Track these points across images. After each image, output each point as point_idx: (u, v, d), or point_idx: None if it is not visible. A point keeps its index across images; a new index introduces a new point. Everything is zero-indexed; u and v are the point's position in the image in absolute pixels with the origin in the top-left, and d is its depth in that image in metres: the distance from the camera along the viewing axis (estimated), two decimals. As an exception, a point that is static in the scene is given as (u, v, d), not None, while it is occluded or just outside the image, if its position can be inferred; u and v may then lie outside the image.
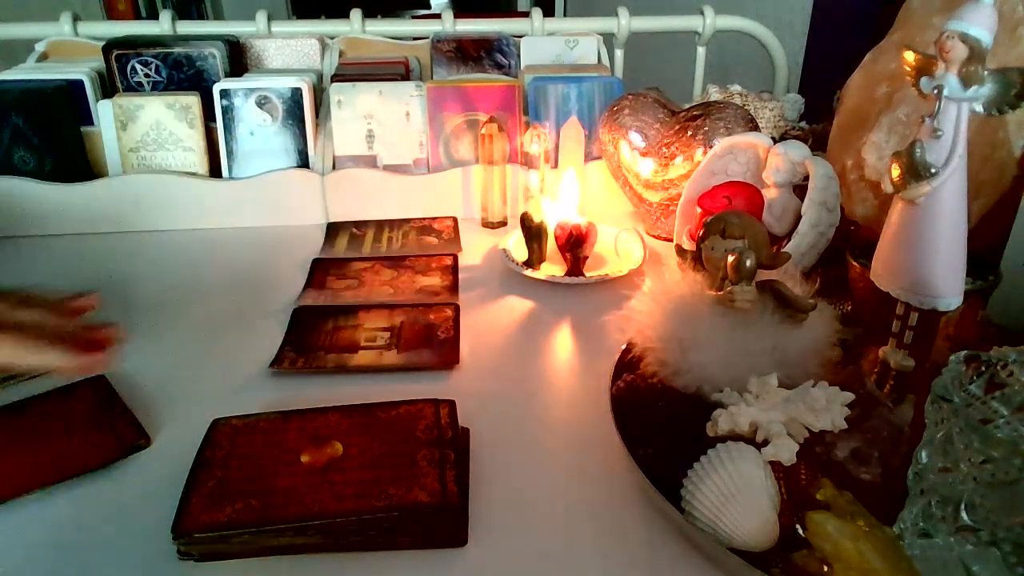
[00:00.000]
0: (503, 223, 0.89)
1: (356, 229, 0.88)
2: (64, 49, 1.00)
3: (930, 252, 0.47)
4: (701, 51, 1.16)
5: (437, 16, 1.06)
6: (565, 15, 3.08)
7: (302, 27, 1.05)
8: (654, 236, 0.86)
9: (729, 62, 1.60)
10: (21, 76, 0.89)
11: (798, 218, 0.66)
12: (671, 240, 0.80)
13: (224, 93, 0.86)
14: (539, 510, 0.46)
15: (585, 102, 0.90)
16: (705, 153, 0.76)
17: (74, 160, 0.88)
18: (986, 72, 0.44)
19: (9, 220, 0.86)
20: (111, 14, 2.47)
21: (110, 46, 0.90)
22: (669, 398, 0.50)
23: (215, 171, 0.89)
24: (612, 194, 0.91)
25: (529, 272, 0.74)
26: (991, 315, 0.59)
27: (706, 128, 0.78)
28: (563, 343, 0.66)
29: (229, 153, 0.88)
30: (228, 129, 0.88)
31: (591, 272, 0.74)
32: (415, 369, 0.61)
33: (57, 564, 0.42)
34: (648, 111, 0.83)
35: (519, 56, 1.00)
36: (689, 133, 0.79)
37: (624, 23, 1.08)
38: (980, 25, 0.43)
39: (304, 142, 0.89)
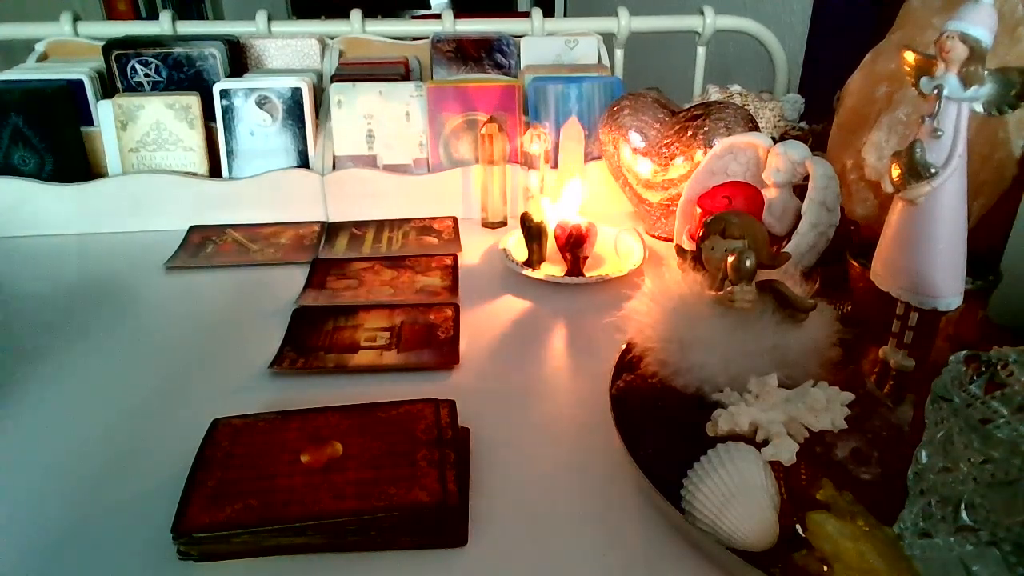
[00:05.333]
0: (503, 223, 0.89)
1: (356, 229, 0.88)
2: (64, 49, 1.00)
3: (930, 252, 0.47)
4: (701, 51, 1.16)
5: (437, 16, 1.06)
6: (565, 15, 3.08)
7: (302, 27, 1.05)
8: (654, 236, 0.86)
9: (729, 62, 1.60)
10: (21, 76, 0.89)
11: (798, 218, 0.66)
12: (671, 240, 0.80)
13: (224, 93, 0.86)
14: (539, 510, 0.46)
15: (585, 102, 0.90)
16: (705, 153, 0.76)
17: (74, 160, 0.88)
18: (986, 72, 0.44)
19: (9, 220, 0.86)
20: (111, 14, 2.47)
21: (110, 46, 0.90)
22: (669, 398, 0.49)
23: (215, 171, 0.90)
24: (612, 194, 0.91)
25: (529, 272, 0.74)
26: (991, 315, 0.59)
27: (706, 128, 0.78)
28: (563, 343, 0.66)
29: (229, 153, 0.88)
30: (228, 129, 0.88)
31: (591, 272, 0.74)
32: (415, 369, 0.61)
33: (57, 564, 0.42)
34: (648, 111, 0.83)
35: (519, 56, 1.00)
36: (689, 133, 0.79)
37: (624, 23, 1.08)
38: (980, 25, 0.43)
39: (304, 142, 0.89)
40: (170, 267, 0.79)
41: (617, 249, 0.80)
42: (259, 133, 0.88)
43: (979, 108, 0.45)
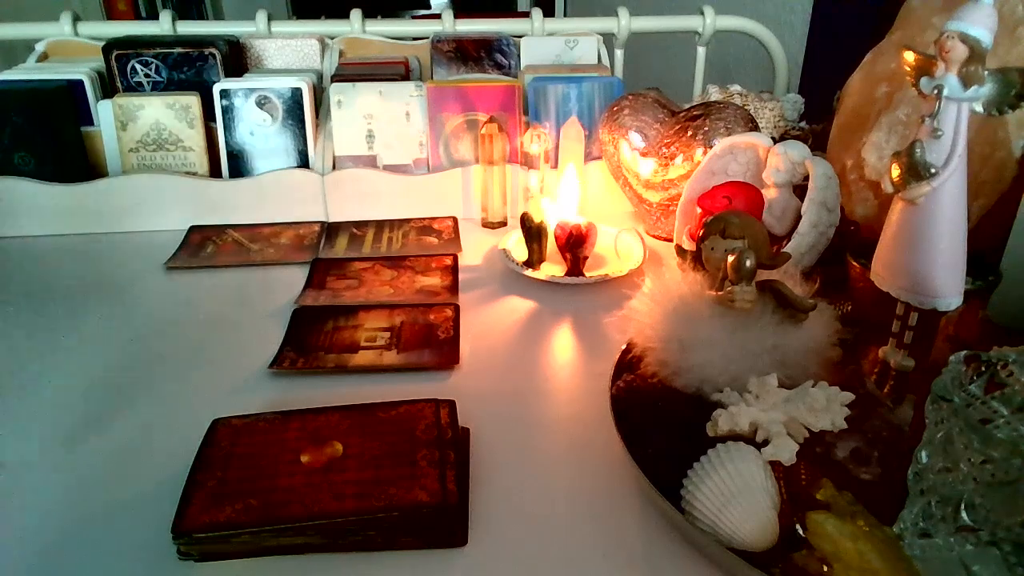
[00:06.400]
0: (503, 223, 0.89)
1: (356, 229, 0.88)
2: (64, 49, 1.00)
3: (930, 252, 0.47)
4: (701, 51, 1.16)
5: (437, 16, 1.06)
6: (565, 15, 3.08)
7: (302, 27, 1.05)
8: (654, 236, 0.86)
9: (729, 62, 1.60)
10: (21, 76, 0.89)
11: (798, 218, 0.66)
12: (671, 240, 0.80)
13: (224, 93, 0.86)
14: (539, 510, 0.46)
15: (585, 102, 0.90)
16: (705, 153, 0.76)
17: (74, 160, 0.88)
18: (986, 72, 0.44)
19: (9, 220, 0.86)
20: (111, 14, 2.47)
21: (110, 46, 0.90)
22: (669, 398, 0.49)
23: (215, 171, 0.90)
24: (612, 194, 0.91)
25: (529, 272, 0.74)
26: (991, 315, 0.59)
27: (706, 128, 0.78)
28: (563, 343, 0.66)
29: (229, 153, 0.88)
30: (228, 129, 0.88)
31: (591, 272, 0.74)
32: (415, 369, 0.61)
33: (57, 564, 0.42)
34: (648, 111, 0.83)
35: (519, 56, 1.00)
36: (689, 133, 0.79)
37: (624, 23, 1.08)
38: (980, 25, 0.43)
39: (304, 142, 0.89)
40: (170, 267, 0.79)
41: (617, 249, 0.80)
42: (259, 133, 0.88)
43: (979, 108, 0.45)
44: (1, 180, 0.84)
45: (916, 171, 0.45)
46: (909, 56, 0.47)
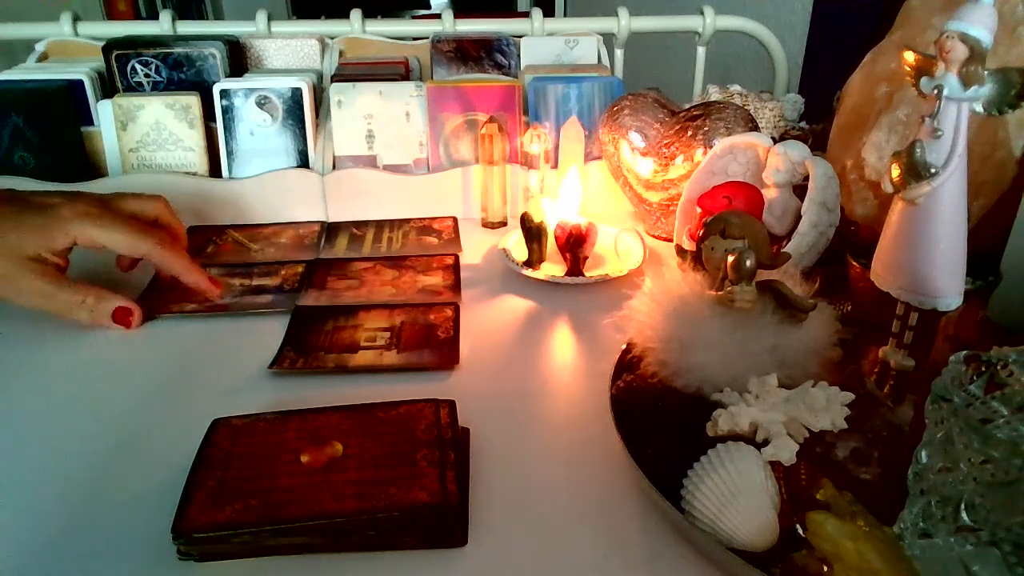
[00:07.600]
0: (503, 223, 0.89)
1: (356, 229, 0.88)
2: (64, 49, 1.00)
3: (930, 252, 0.47)
4: (701, 51, 1.16)
5: (437, 16, 1.06)
6: (565, 15, 3.08)
7: (302, 27, 1.05)
8: (654, 236, 0.86)
9: (729, 62, 1.60)
10: (21, 76, 0.89)
11: (798, 218, 0.66)
12: (671, 240, 0.80)
13: (224, 93, 0.86)
14: (539, 510, 0.46)
15: (585, 102, 0.90)
16: (705, 153, 0.76)
17: (74, 160, 0.88)
18: (986, 72, 0.44)
19: (9, 220, 0.85)
20: (111, 14, 2.48)
21: (110, 46, 0.90)
22: (669, 398, 0.49)
23: (215, 171, 0.89)
24: (612, 194, 0.91)
25: (529, 272, 0.74)
26: (991, 315, 0.59)
27: (706, 128, 0.78)
28: (563, 343, 0.66)
29: (229, 153, 0.88)
30: (228, 129, 0.88)
31: (591, 272, 0.74)
32: (415, 369, 0.61)
33: (56, 564, 0.42)
34: (648, 111, 0.83)
35: (519, 56, 1.00)
36: (689, 133, 0.79)
37: (624, 23, 1.08)
38: (980, 25, 0.43)
39: (304, 142, 0.89)
40: (170, 267, 0.79)
41: (617, 249, 0.80)
42: (259, 133, 0.88)
43: (979, 108, 0.45)
44: (1, 180, 0.84)
45: (916, 171, 0.45)
46: (909, 56, 0.47)
